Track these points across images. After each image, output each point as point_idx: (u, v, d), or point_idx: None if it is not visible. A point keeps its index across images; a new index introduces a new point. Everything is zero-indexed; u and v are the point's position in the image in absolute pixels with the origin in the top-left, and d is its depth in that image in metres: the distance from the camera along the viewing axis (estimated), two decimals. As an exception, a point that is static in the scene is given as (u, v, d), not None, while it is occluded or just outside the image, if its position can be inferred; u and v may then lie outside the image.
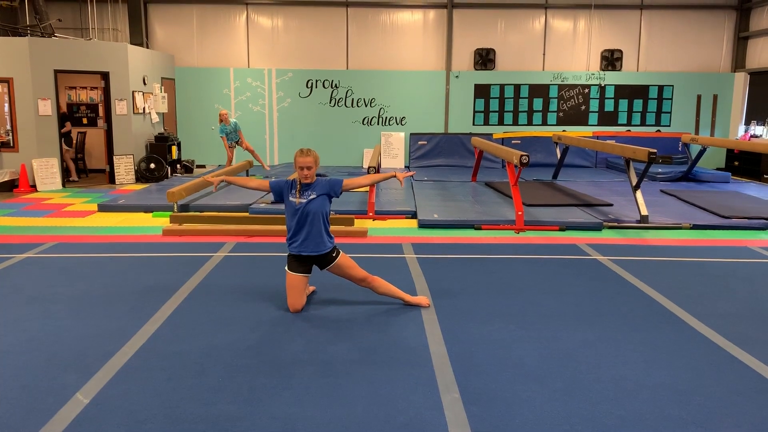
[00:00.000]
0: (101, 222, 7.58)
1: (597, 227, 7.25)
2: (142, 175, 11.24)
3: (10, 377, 3.26)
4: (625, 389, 3.17)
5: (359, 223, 7.39)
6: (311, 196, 4.24)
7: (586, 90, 13.38)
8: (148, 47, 12.84)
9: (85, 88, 12.65)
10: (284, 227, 6.96)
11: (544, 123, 13.51)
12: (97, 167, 12.20)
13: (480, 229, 7.22)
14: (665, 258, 5.96)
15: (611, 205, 8.42)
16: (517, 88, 13.33)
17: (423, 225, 7.34)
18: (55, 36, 11.13)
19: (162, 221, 7.56)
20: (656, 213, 7.85)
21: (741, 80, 13.28)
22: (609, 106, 13.48)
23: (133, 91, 10.98)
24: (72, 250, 6.10)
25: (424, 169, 12.63)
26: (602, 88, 13.38)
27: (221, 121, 11.03)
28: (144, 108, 11.45)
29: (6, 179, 9.95)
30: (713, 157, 13.41)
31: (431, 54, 13.42)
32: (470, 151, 12.79)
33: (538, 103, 13.44)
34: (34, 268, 5.45)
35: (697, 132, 13.52)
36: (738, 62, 13.47)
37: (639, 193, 7.62)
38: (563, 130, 13.20)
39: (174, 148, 11.92)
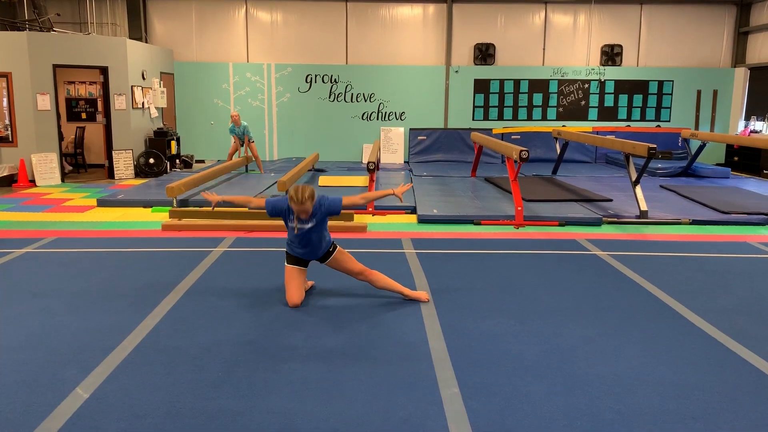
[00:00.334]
0: (100, 217, 7.57)
1: (596, 222, 7.25)
2: (141, 170, 11.23)
3: (10, 372, 3.26)
4: (623, 384, 3.17)
5: (359, 219, 7.39)
6: (310, 224, 4.24)
7: (586, 85, 13.37)
8: (146, 42, 12.81)
9: (84, 82, 12.62)
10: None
11: (544, 118, 13.50)
12: (96, 162, 12.19)
13: (479, 224, 7.22)
14: (664, 253, 5.97)
15: (611, 200, 8.42)
16: (516, 83, 13.31)
17: (422, 220, 7.34)
18: (54, 30, 11.09)
19: (161, 216, 7.55)
20: (656, 208, 7.85)
21: (741, 75, 13.26)
22: (609, 101, 13.46)
23: (132, 86, 10.96)
24: (71, 245, 6.10)
25: (423, 164, 12.61)
26: (602, 83, 13.36)
27: (232, 121, 10.94)
28: (143, 103, 11.43)
29: (5, 174, 9.94)
30: (713, 153, 13.41)
31: (431, 49, 13.39)
32: (470, 146, 12.79)
33: (537, 98, 13.42)
34: (33, 263, 5.45)
35: (696, 127, 13.51)
36: (738, 57, 13.45)
37: (638, 189, 7.62)
38: (563, 126, 13.18)
39: (173, 143, 11.91)
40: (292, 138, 13.38)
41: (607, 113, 13.52)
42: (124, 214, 7.78)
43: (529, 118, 13.49)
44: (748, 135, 12.35)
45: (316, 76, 13.20)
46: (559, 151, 10.95)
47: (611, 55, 13.24)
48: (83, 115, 12.69)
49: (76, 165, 11.76)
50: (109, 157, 11.04)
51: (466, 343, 3.70)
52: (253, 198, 4.64)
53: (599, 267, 5.43)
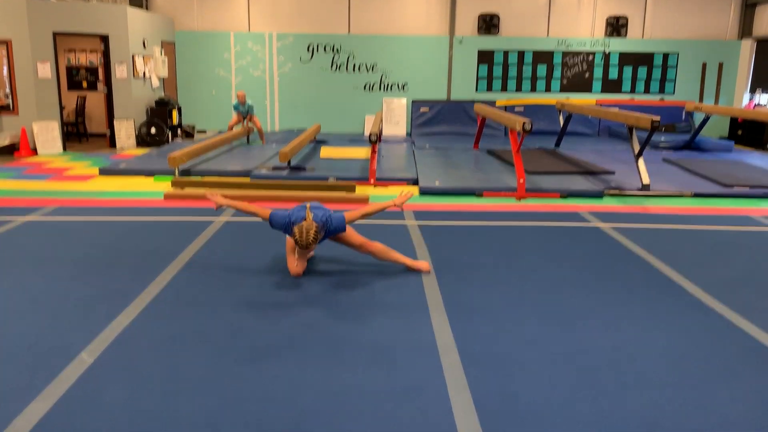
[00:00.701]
0: (103, 186, 7.58)
1: (598, 195, 7.25)
2: (143, 140, 11.19)
3: (17, 336, 3.29)
4: (623, 354, 3.20)
5: (360, 190, 7.39)
6: (315, 247, 4.31)
7: (591, 57, 13.24)
8: (147, 10, 12.67)
9: (85, 51, 12.52)
10: (285, 193, 6.97)
11: (548, 90, 13.40)
12: (98, 131, 12.15)
13: (481, 196, 7.21)
14: (666, 226, 5.97)
15: (613, 173, 8.40)
16: (521, 54, 13.18)
17: (424, 192, 7.33)
18: (53, -3, 10.97)
19: (163, 186, 7.55)
20: (658, 181, 7.83)
21: (747, 48, 13.12)
22: (613, 73, 13.35)
23: (132, 55, 10.87)
24: (74, 214, 6.11)
25: (425, 136, 12.56)
26: (606, 55, 13.23)
27: (238, 99, 10.85)
28: (144, 72, 11.34)
29: (6, 143, 9.92)
30: (717, 126, 13.33)
31: (434, 19, 13.23)
32: (473, 118, 12.72)
33: (541, 70, 13.30)
34: (36, 230, 5.47)
35: (701, 100, 13.41)
36: (745, 29, 13.28)
37: (641, 161, 7.60)
38: (567, 98, 13.09)
39: (174, 113, 11.85)
40: (294, 110, 13.30)
41: (611, 85, 13.41)
42: (126, 183, 7.79)
43: (533, 90, 13.39)
44: (753, 108, 12.26)
45: (318, 45, 13.07)
46: (562, 123, 10.89)
47: (616, 26, 13.08)
48: (84, 84, 12.62)
49: (78, 134, 11.72)
50: (111, 127, 11.00)
51: (467, 312, 3.73)
52: (259, 210, 4.28)
53: (600, 239, 5.44)
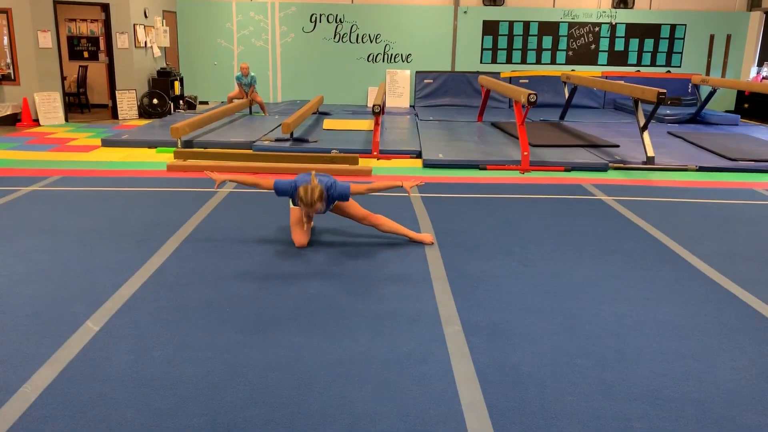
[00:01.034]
0: (105, 157, 7.56)
1: (603, 168, 7.22)
2: (144, 111, 11.14)
3: (22, 305, 3.32)
4: (625, 324, 3.22)
5: (363, 162, 7.36)
6: (321, 213, 4.36)
7: (597, 28, 13.07)
8: (148, -22, 12.50)
9: (86, 20, 12.40)
10: (288, 165, 6.95)
11: (553, 62, 13.26)
12: (100, 102, 12.10)
13: (485, 169, 7.19)
14: (670, 199, 5.96)
15: (617, 146, 8.36)
16: (526, 25, 13.03)
17: (428, 165, 7.31)
18: (53, -35, 10.83)
19: (166, 157, 7.54)
20: (662, 154, 7.80)
21: (756, 20, 12.93)
22: (619, 45, 13.19)
23: (134, 24, 10.76)
24: (77, 184, 6.11)
25: (429, 108, 12.48)
26: (613, 27, 13.06)
27: (241, 71, 10.76)
28: (146, 42, 11.25)
29: (8, 113, 9.88)
30: (723, 99, 13.22)
31: (439, -11, 13.06)
32: (477, 90, 12.61)
33: (547, 42, 13.15)
34: (40, 200, 5.48)
35: (708, 73, 13.27)
36: (754, 1, 13.07)
37: (646, 135, 7.55)
38: (572, 70, 12.96)
39: (176, 84, 11.77)
40: (296, 80, 13.20)
41: (617, 58, 13.27)
42: (129, 154, 7.77)
43: (538, 62, 13.26)
44: (761, 81, 12.14)
45: (320, 15, 12.92)
46: (567, 95, 10.80)
47: (624, -3, 12.90)
48: (85, 54, 12.52)
49: (80, 105, 11.67)
50: (113, 97, 10.95)
51: (469, 283, 3.74)
52: (261, 180, 4.28)
53: (604, 212, 5.43)
